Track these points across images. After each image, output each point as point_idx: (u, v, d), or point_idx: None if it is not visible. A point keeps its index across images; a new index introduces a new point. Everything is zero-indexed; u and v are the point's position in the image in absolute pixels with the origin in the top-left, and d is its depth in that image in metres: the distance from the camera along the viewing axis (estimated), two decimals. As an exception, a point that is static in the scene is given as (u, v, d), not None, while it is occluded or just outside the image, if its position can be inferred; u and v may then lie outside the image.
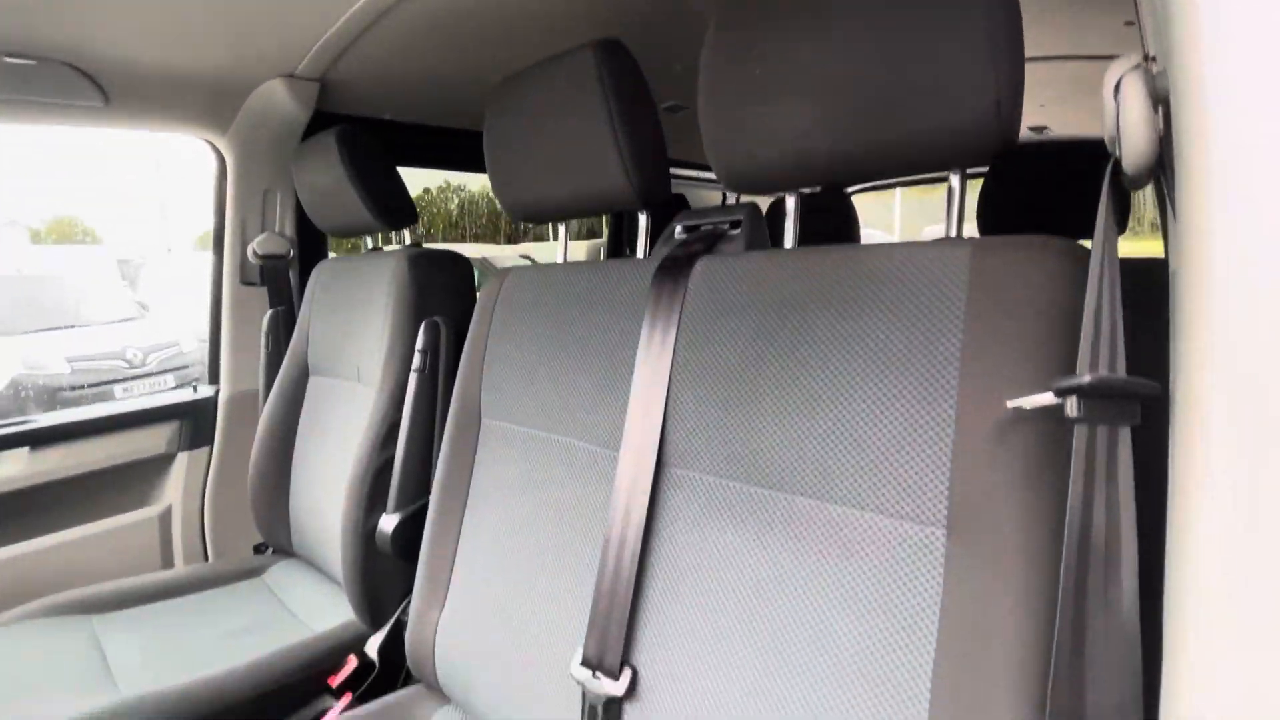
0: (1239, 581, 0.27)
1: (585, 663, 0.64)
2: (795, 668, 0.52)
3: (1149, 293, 0.47)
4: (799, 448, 0.55)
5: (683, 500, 0.63)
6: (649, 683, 0.61)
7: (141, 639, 1.01)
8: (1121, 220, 0.54)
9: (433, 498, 0.89)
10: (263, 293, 1.46)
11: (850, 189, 2.07)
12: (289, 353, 1.33)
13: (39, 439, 1.23)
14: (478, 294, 0.96)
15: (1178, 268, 0.31)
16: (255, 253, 1.41)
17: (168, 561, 1.35)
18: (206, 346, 1.50)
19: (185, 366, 5.18)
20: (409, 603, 1.01)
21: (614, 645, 0.62)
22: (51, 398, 4.56)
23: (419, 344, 1.04)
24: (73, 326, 5.22)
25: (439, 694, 0.87)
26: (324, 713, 0.95)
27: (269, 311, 1.43)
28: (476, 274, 1.22)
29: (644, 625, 0.62)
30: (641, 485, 0.64)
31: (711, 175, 1.45)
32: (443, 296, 1.11)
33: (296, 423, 1.31)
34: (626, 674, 0.61)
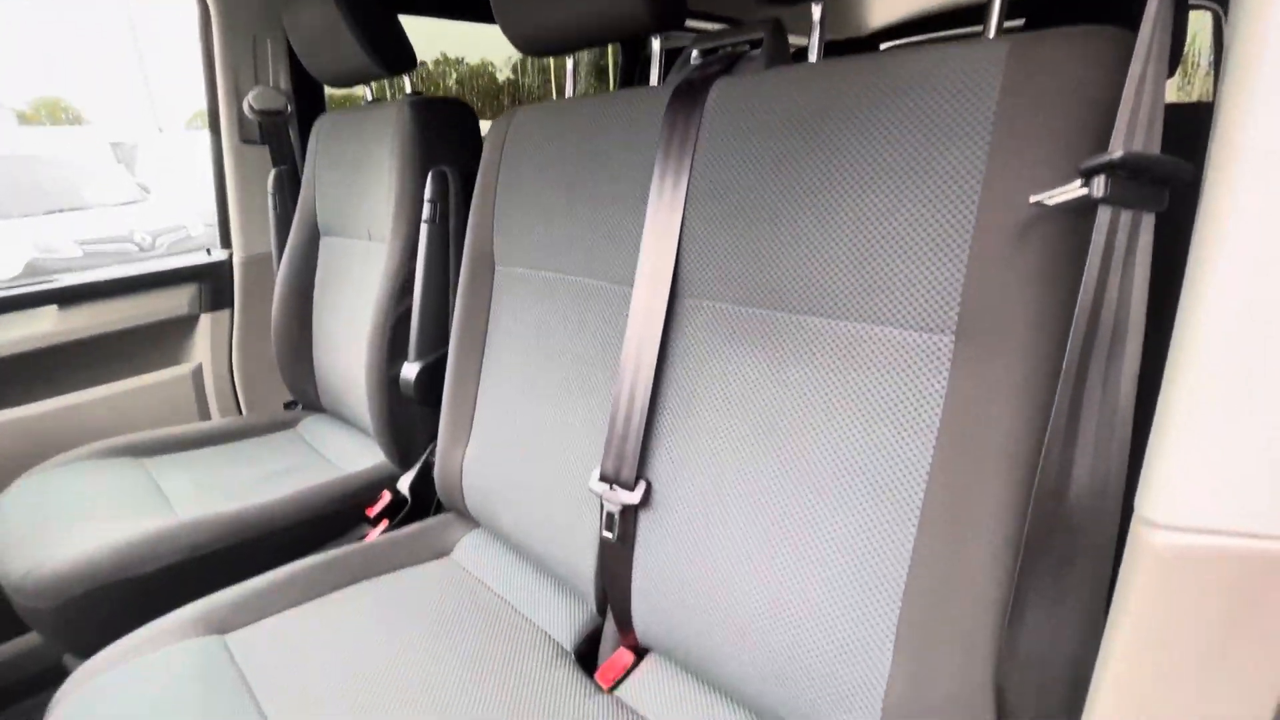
0: (1239, 370, 0.29)
1: (603, 478, 0.68)
2: (798, 474, 0.55)
3: (1192, 132, 0.45)
4: (814, 268, 0.55)
5: (696, 328, 0.64)
6: (661, 492, 0.65)
7: (192, 475, 1.09)
8: (1178, 45, 0.50)
9: (451, 344, 0.92)
10: (264, 151, 1.42)
11: (885, 44, 1.92)
12: (298, 214, 1.32)
13: (66, 297, 1.26)
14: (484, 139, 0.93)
15: (1223, 98, 0.30)
16: (251, 108, 1.36)
17: (204, 416, 1.43)
18: (213, 231, 1.48)
19: (196, 250, 5.14)
20: (435, 445, 1.07)
21: (629, 461, 0.66)
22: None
23: (427, 194, 1.02)
24: (76, 209, 5.17)
25: (468, 520, 0.95)
26: (363, 537, 1.05)
27: (272, 171, 1.40)
28: (482, 125, 1.17)
29: (657, 444, 0.66)
30: (655, 317, 0.65)
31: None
32: (448, 144, 1.08)
33: (312, 283, 1.32)
34: (641, 486, 0.66)
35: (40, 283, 1.25)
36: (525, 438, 0.81)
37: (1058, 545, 0.41)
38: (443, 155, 1.06)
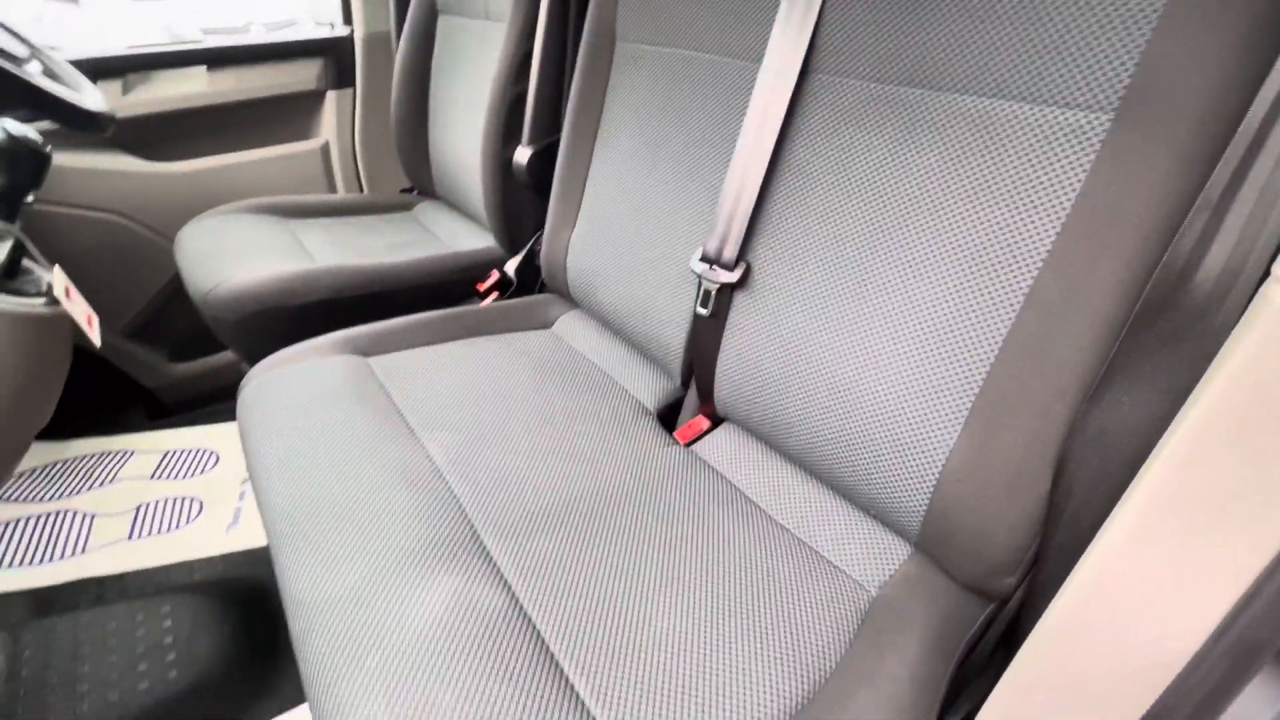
0: None
1: (705, 258, 0.71)
2: (904, 256, 0.56)
3: None
4: (971, 40, 0.51)
5: (823, 106, 0.62)
6: (760, 272, 0.68)
7: (325, 234, 1.21)
8: None
9: (565, 125, 0.93)
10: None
11: None
12: None
13: (212, 58, 1.34)
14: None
15: None
16: None
17: (330, 190, 1.55)
18: (323, 31, 1.48)
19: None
20: (541, 232, 1.13)
21: (733, 242, 0.69)
22: (198, 64, 4.82)
23: (552, -38, 0.98)
24: (197, -5, 5.23)
25: (568, 300, 1.02)
26: (474, 310, 1.16)
27: None
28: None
29: (763, 226, 0.68)
30: (782, 93, 0.64)
31: None
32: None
33: (430, 65, 1.33)
34: (741, 267, 0.69)
35: (190, 44, 1.33)
36: (632, 219, 0.84)
37: (1166, 325, 0.41)
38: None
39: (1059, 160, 0.47)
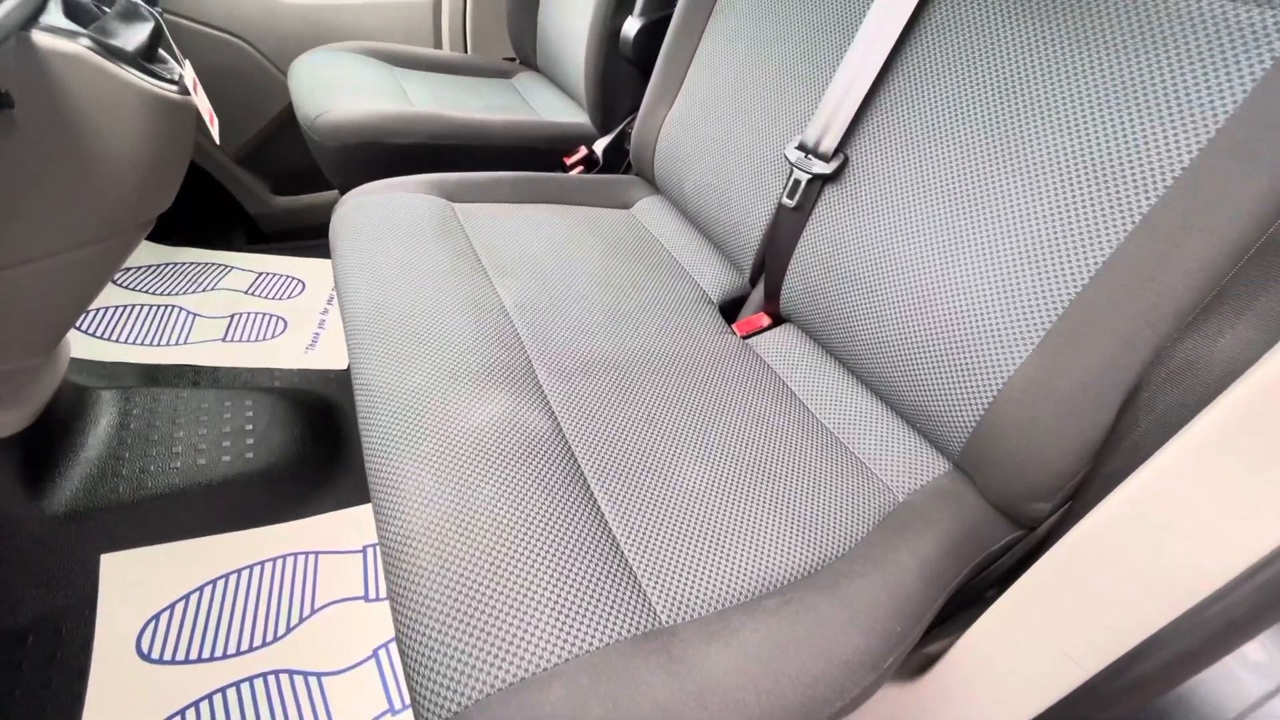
0: None
1: (800, 147, 0.69)
2: (1019, 161, 0.53)
3: None
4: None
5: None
6: (857, 168, 0.65)
7: (426, 85, 1.23)
8: None
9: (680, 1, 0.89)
10: None
11: None
12: None
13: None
14: None
15: None
16: None
17: (437, 43, 1.55)
18: None
19: None
20: (634, 117, 1.10)
21: (834, 131, 0.66)
22: None
23: None
24: None
25: (652, 186, 1.01)
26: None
27: None
28: None
29: (870, 116, 0.64)
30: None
31: None
32: None
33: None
34: (838, 159, 0.66)
35: None
36: (732, 101, 0.81)
37: None
38: None
39: (1227, 65, 0.43)
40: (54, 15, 0.68)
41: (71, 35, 0.66)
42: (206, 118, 0.78)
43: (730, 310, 0.85)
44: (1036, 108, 0.52)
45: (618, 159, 1.14)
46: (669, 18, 0.94)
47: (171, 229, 1.37)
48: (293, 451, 0.98)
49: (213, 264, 1.41)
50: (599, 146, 1.16)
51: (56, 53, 0.64)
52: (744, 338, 0.78)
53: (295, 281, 1.41)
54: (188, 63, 0.79)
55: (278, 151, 1.48)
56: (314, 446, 1.00)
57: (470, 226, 0.83)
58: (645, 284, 0.81)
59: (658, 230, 0.95)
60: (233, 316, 1.28)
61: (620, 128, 1.15)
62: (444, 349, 0.61)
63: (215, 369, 1.15)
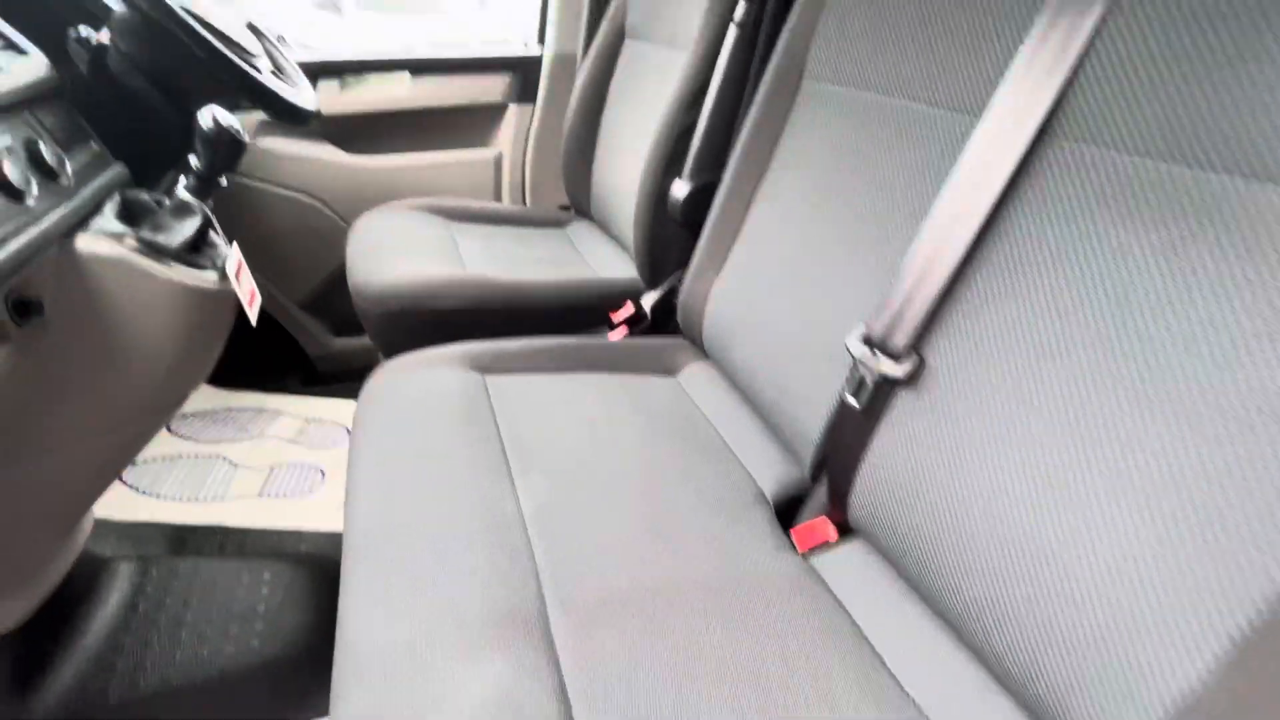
0: None
1: (866, 339, 0.60)
2: (1148, 387, 0.41)
3: None
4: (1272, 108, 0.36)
5: (1059, 180, 0.49)
6: (936, 374, 0.55)
7: (479, 239, 1.24)
8: None
9: (731, 161, 0.85)
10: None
11: None
12: (608, 14, 1.31)
13: (416, 67, 1.45)
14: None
15: None
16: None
17: (496, 198, 1.60)
18: (516, 49, 1.55)
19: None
20: (684, 271, 1.06)
21: (907, 327, 0.56)
22: (418, 70, 5.50)
23: (748, -9, 0.91)
24: (434, 13, 5.96)
25: (699, 350, 0.94)
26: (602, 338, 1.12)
27: None
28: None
29: (950, 313, 0.55)
30: (1005, 157, 0.51)
31: None
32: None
33: (608, 87, 1.33)
34: (911, 360, 0.56)
35: (399, 53, 1.45)
36: (785, 275, 0.74)
37: None
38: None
39: None
40: (106, 217, 0.70)
41: (117, 237, 0.67)
42: (246, 300, 0.78)
43: (788, 510, 0.73)
44: (1164, 322, 0.41)
45: (667, 314, 1.08)
46: (718, 183, 0.91)
47: (230, 370, 1.40)
48: (299, 641, 0.89)
49: (264, 410, 1.42)
50: (647, 302, 1.11)
51: (97, 257, 0.65)
52: (805, 554, 0.65)
53: (340, 430, 1.39)
54: (234, 246, 0.80)
55: (340, 297, 1.52)
56: (321, 636, 0.91)
57: (501, 404, 0.77)
58: (689, 475, 0.71)
59: (706, 403, 0.86)
60: (273, 468, 1.26)
61: (669, 284, 1.11)
62: (444, 588, 0.52)
63: (245, 532, 1.10)
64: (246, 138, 0.74)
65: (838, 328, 0.65)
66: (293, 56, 1.14)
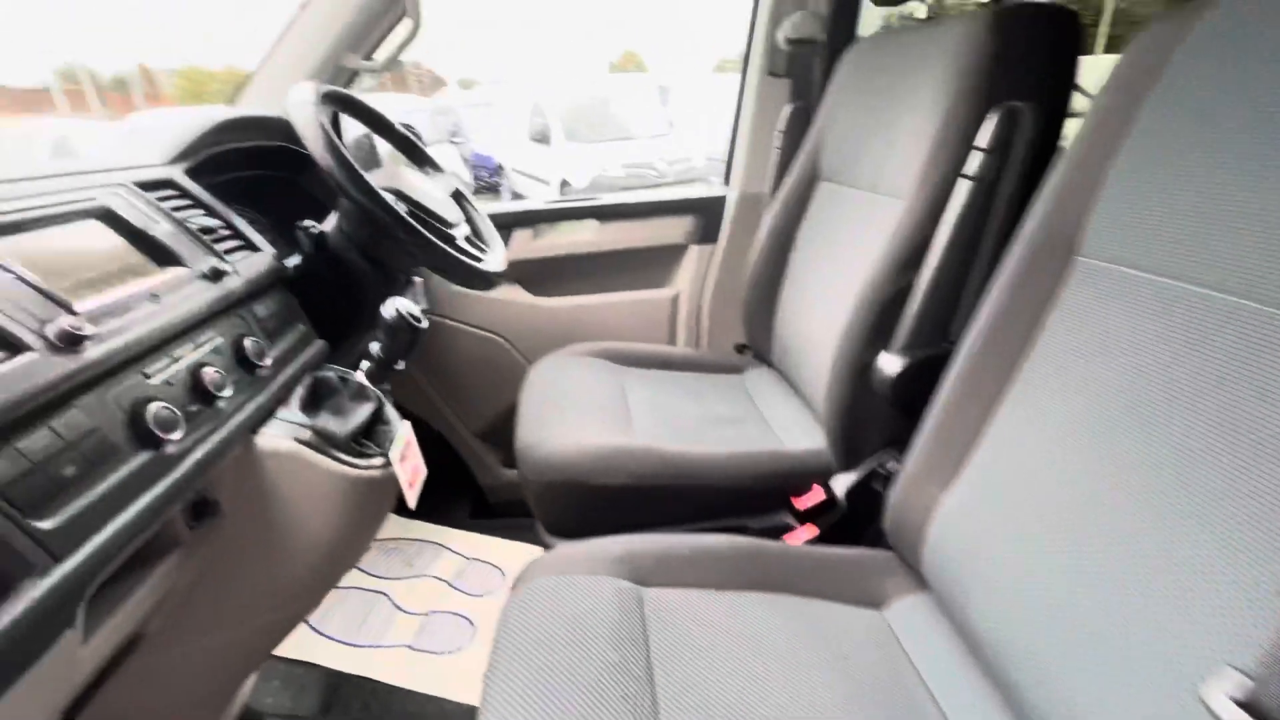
0: None
1: (1250, 704, 0.36)
2: None
3: None
4: None
5: None
6: None
7: (652, 395, 1.16)
8: None
9: (968, 346, 0.67)
10: (786, 86, 1.36)
11: None
12: (801, 153, 1.22)
13: (604, 214, 1.48)
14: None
15: None
16: (786, 38, 1.28)
17: (670, 338, 1.54)
18: (716, 165, 1.53)
19: (695, 180, 6.13)
20: (887, 455, 0.86)
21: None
22: (612, 188, 6.02)
23: (985, 140, 0.76)
24: (625, 139, 6.58)
25: (917, 577, 0.73)
26: (783, 528, 0.94)
27: (787, 107, 1.32)
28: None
29: None
30: None
31: None
32: (1032, 71, 0.78)
33: (798, 230, 1.22)
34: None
35: (589, 199, 1.49)
36: (1063, 524, 0.53)
37: None
38: (1020, 86, 0.77)
39: None
40: (291, 408, 0.71)
41: (296, 430, 0.67)
42: (406, 483, 0.75)
43: None
44: None
45: (868, 505, 0.88)
46: (940, 358, 0.72)
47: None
48: None
49: (431, 542, 1.43)
50: (839, 486, 0.92)
51: (274, 453, 0.65)
52: None
53: (496, 574, 1.35)
54: (406, 424, 0.79)
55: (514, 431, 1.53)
56: None
57: (657, 628, 0.64)
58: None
59: (921, 656, 0.64)
60: (429, 615, 1.23)
61: (868, 468, 0.91)
62: None
63: (391, 691, 1.06)
64: (424, 324, 0.73)
65: (1160, 618, 0.42)
66: (487, 215, 1.20)
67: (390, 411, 0.77)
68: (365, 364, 0.74)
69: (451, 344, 1.47)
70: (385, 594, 1.28)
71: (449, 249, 0.86)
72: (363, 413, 0.73)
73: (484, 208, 1.43)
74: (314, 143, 0.76)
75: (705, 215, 1.50)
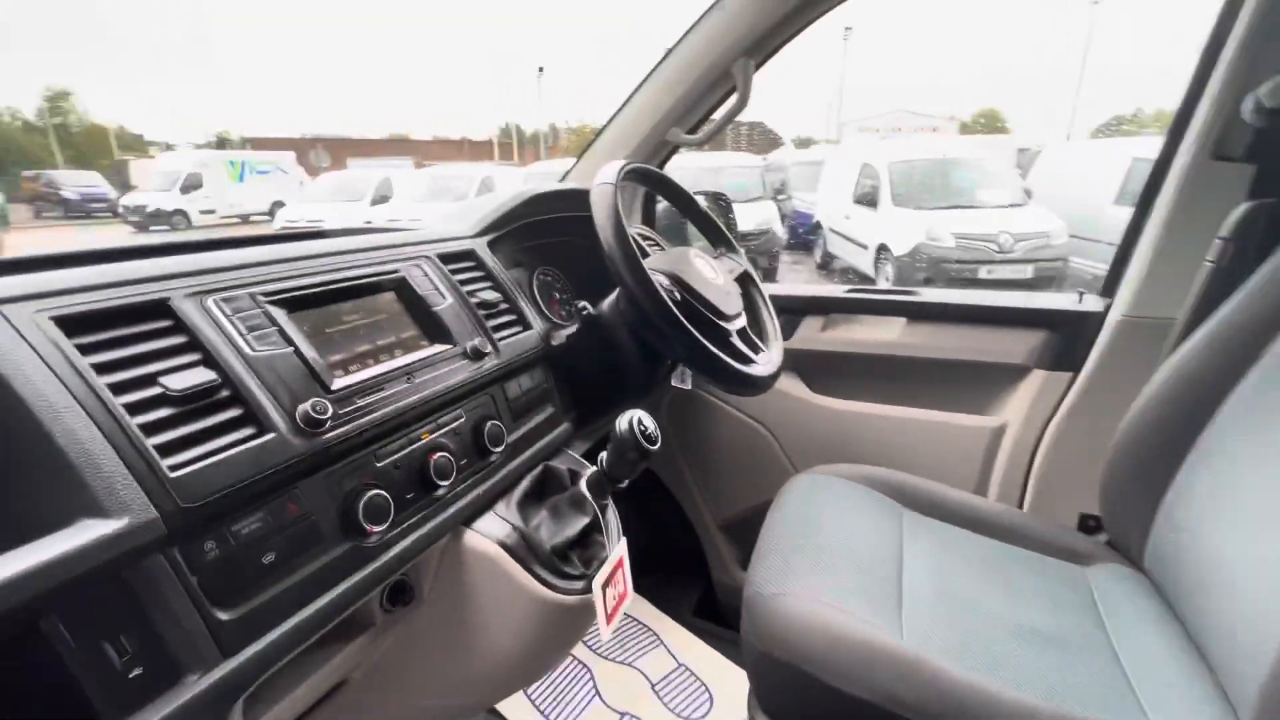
0: None
1: None
2: None
3: None
4: None
5: None
6: None
7: (937, 570, 0.87)
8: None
9: None
10: (1234, 178, 0.94)
11: None
12: (1257, 279, 0.81)
13: (918, 312, 1.22)
14: None
15: None
16: (1259, 106, 0.88)
17: (980, 484, 1.19)
18: (1076, 244, 1.14)
19: (1052, 261, 5.10)
20: None
21: None
22: (935, 267, 5.36)
23: None
24: (966, 207, 5.84)
25: None
26: None
27: (1241, 206, 0.90)
28: None
29: None
30: None
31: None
32: None
33: (1226, 389, 0.81)
34: None
35: (902, 293, 1.25)
36: None
37: None
38: None
39: None
40: (513, 499, 0.67)
41: (506, 526, 0.63)
42: (604, 614, 0.65)
43: None
44: None
45: None
46: None
47: (642, 564, 1.38)
48: None
49: (649, 628, 1.34)
50: None
51: (477, 552, 0.61)
52: None
53: (704, 694, 1.19)
54: (621, 545, 0.69)
55: (756, 532, 1.37)
56: None
57: None
58: None
59: None
60: (623, 717, 1.13)
61: None
62: None
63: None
64: (657, 446, 0.63)
65: None
66: (776, 299, 1.07)
67: (607, 526, 0.69)
68: (591, 470, 0.67)
69: (714, 424, 1.38)
70: (590, 670, 1.22)
71: (715, 350, 0.75)
72: (577, 525, 0.66)
73: (775, 289, 1.31)
74: (600, 225, 0.73)
75: (1064, 333, 1.13)
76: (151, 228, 13.49)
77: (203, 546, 0.40)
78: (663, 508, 1.49)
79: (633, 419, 0.61)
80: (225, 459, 0.42)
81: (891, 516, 0.98)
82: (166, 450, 0.40)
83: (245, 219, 15.18)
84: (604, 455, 0.64)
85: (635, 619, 1.37)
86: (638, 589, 1.37)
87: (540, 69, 29.53)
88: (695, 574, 1.46)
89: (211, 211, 14.58)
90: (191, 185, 14.28)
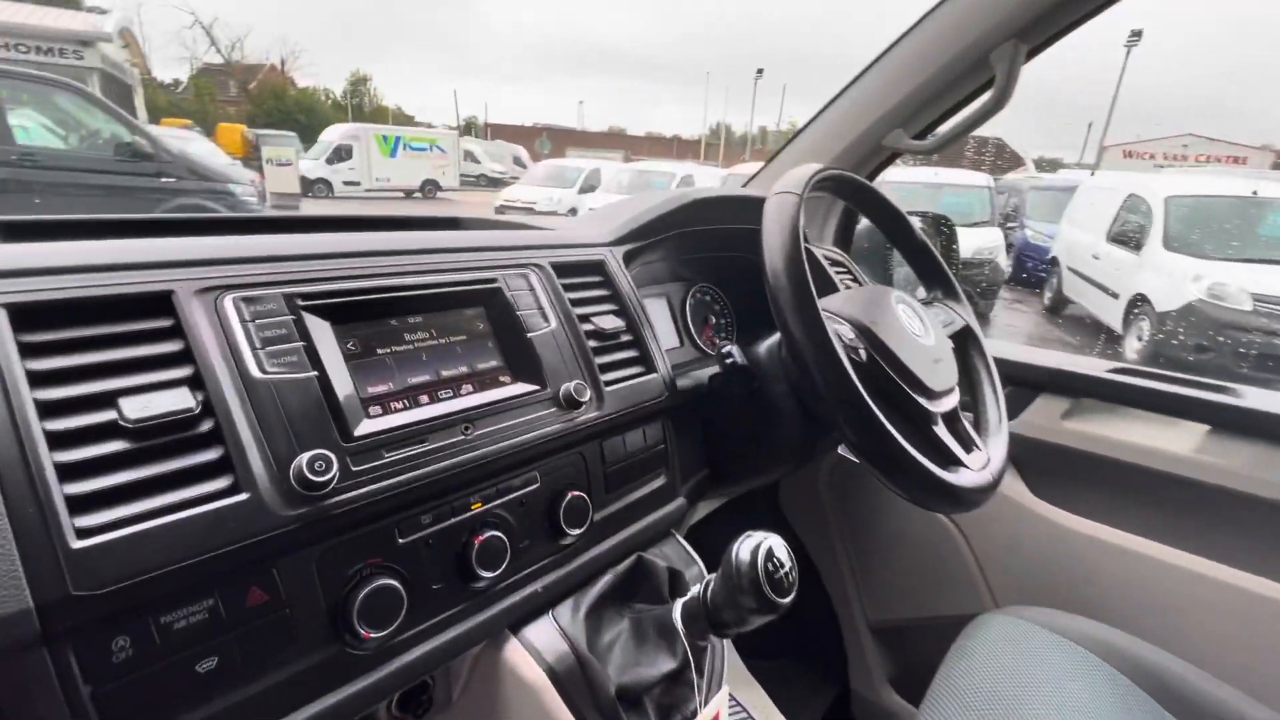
0: None
1: None
2: None
3: None
4: None
5: None
6: None
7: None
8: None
9: None
10: None
11: None
12: None
13: (1227, 419, 0.83)
14: None
15: None
16: None
17: None
18: None
19: None
20: None
21: None
22: (1216, 335, 4.20)
23: None
24: (1277, 263, 4.51)
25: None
26: None
27: None
28: None
29: None
30: None
31: None
32: None
33: None
34: None
35: (1205, 386, 0.86)
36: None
37: None
38: None
39: None
40: (584, 600, 0.50)
41: (564, 644, 0.46)
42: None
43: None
44: None
45: None
46: None
47: (755, 648, 1.15)
48: None
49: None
50: None
51: (515, 673, 0.45)
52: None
53: None
54: (720, 697, 0.49)
55: (921, 654, 1.07)
56: None
57: None
58: None
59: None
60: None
61: None
62: None
63: None
64: (789, 600, 0.42)
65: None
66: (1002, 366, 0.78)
67: (703, 671, 0.49)
68: (692, 594, 0.48)
69: (888, 508, 1.10)
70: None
71: (905, 445, 0.52)
72: (660, 664, 0.47)
73: (1005, 350, 1.00)
74: (768, 245, 0.53)
75: None
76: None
77: (109, 645, 0.29)
78: (804, 586, 1.24)
79: (759, 548, 0.41)
80: (169, 525, 0.30)
81: (1109, 685, 0.65)
82: (82, 505, 0.30)
83: (407, 194, 14.62)
84: (711, 582, 0.45)
85: (745, 710, 1.15)
86: (753, 671, 1.14)
87: (759, 71, 29.25)
88: (829, 677, 1.20)
89: (356, 184, 13.99)
90: (340, 156, 13.77)
